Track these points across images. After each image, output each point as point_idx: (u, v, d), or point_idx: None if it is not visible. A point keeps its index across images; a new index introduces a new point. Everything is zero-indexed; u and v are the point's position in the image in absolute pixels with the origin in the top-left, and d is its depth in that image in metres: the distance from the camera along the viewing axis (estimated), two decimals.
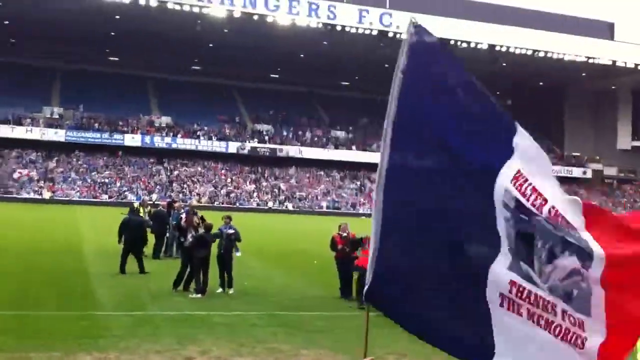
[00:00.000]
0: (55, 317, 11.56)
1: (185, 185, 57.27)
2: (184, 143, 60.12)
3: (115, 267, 17.02)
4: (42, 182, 53.68)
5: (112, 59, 63.89)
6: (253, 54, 59.87)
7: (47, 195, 51.54)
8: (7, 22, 55.18)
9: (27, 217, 33.61)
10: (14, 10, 51.57)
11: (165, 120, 62.76)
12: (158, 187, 55.71)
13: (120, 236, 17.07)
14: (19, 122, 56.26)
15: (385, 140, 2.87)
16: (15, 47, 60.09)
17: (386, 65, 58.90)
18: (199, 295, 14.19)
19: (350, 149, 65.07)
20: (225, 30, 54.26)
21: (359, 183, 64.33)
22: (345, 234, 15.11)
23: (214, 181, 59.46)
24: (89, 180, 55.18)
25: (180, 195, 51.19)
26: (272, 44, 56.45)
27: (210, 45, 58.77)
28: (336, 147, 64.97)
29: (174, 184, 57.04)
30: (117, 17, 52.03)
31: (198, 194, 54.50)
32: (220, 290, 14.88)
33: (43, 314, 11.77)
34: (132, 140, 58.51)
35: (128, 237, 16.85)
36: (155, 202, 24.06)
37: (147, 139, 58.95)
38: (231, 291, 14.93)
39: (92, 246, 22.22)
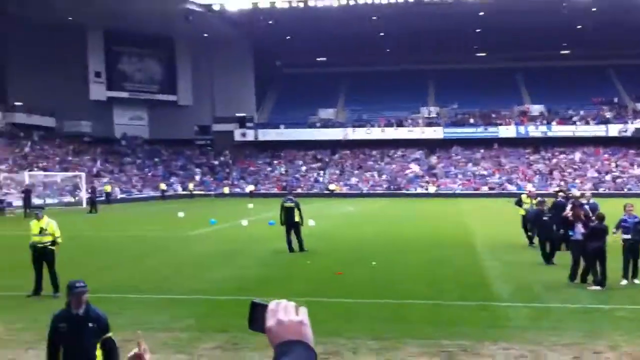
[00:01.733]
0: (458, 307, 12.27)
1: (565, 173, 55.27)
2: (559, 130, 58.17)
3: (504, 258, 17.60)
4: (427, 177, 57.31)
5: (479, 55, 65.12)
6: (626, 29, 55.21)
7: (432, 189, 54.84)
8: (382, 34, 60.62)
9: (421, 211, 36.24)
10: (388, 22, 56.28)
11: (537, 108, 61.77)
12: (537, 176, 54.85)
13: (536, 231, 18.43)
14: (400, 124, 61.20)
15: None
16: (389, 56, 65.48)
17: None
18: (598, 288, 13.62)
19: None
20: (593, 10, 51.34)
21: None
22: None
23: (596, 167, 56.15)
24: (468, 173, 57.11)
25: (562, 183, 49.58)
26: None
27: (578, 27, 56.09)
28: None
29: (553, 173, 55.51)
30: (481, 13, 52.99)
31: (580, 185, 52.01)
32: (624, 282, 14.07)
33: (447, 303, 12.59)
34: (507, 131, 58.88)
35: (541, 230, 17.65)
36: (537, 193, 23.73)
37: (522, 129, 58.68)
38: (637, 281, 14.04)
39: (481, 238, 22.99)
